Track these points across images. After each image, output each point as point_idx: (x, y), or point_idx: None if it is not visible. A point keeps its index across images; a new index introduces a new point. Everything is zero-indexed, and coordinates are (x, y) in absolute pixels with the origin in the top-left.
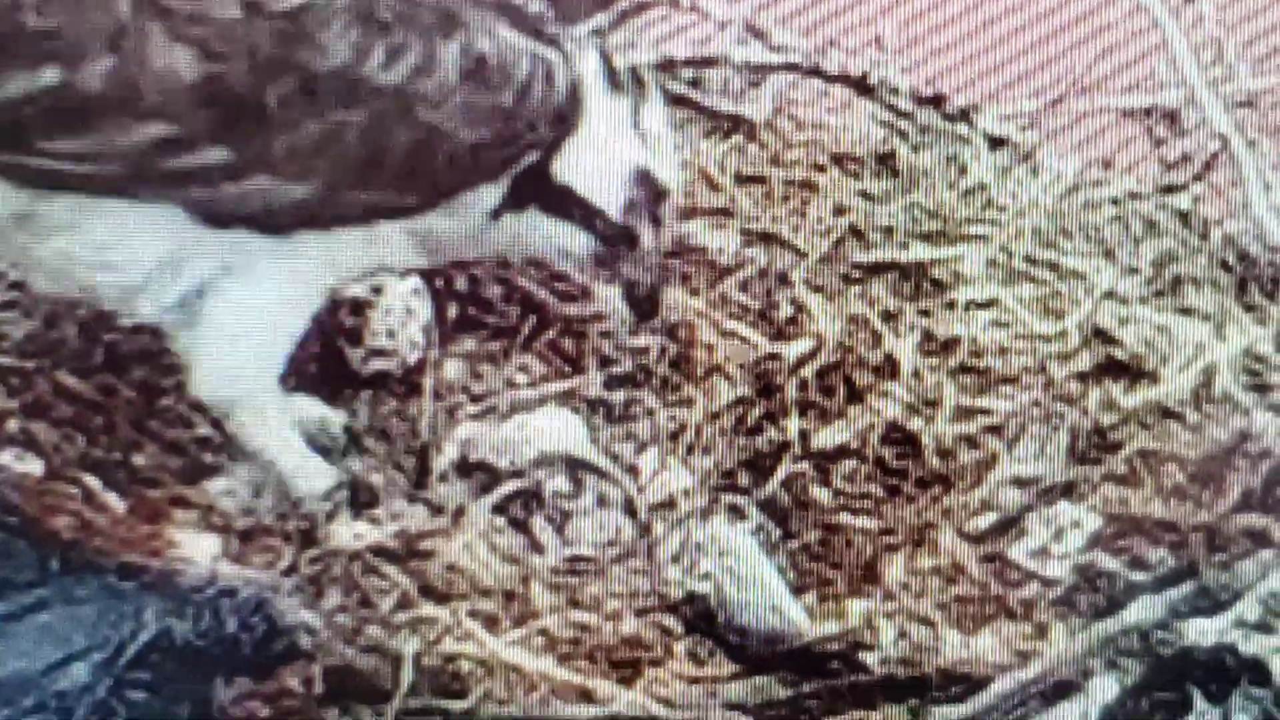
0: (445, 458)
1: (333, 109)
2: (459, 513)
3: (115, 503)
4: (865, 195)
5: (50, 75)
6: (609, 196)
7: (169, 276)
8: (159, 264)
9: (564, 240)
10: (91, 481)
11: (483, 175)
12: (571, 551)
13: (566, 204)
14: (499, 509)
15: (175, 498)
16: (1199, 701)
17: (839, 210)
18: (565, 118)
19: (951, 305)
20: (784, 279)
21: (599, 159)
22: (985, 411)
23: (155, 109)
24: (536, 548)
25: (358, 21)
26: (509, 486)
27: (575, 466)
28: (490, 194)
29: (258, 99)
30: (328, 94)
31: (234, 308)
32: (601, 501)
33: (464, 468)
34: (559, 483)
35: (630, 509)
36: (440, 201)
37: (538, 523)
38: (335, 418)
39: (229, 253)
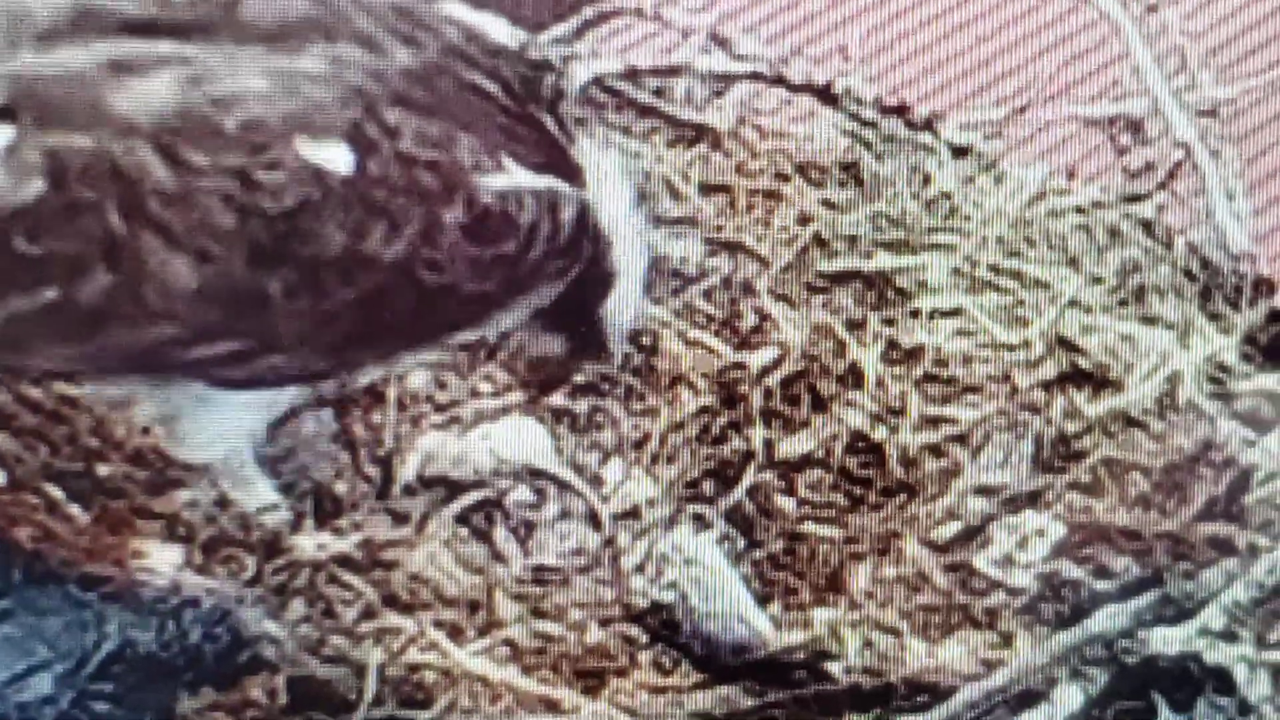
0: (409, 467)
1: (336, 289)
2: (423, 522)
3: (78, 513)
4: (829, 204)
5: (49, 294)
6: (622, 334)
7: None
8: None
9: (540, 344)
10: (54, 492)
11: (505, 307)
12: (536, 561)
13: (568, 325)
14: (462, 519)
15: (139, 508)
16: (1164, 710)
17: (803, 219)
18: (574, 248)
19: (916, 314)
20: (748, 288)
21: (630, 301)
22: (950, 420)
23: (160, 313)
24: (500, 558)
25: (354, 205)
26: (472, 496)
27: (537, 477)
28: (517, 312)
29: (260, 291)
30: (329, 277)
31: (205, 410)
32: (565, 514)
33: (428, 478)
34: (522, 493)
35: (593, 520)
36: (463, 331)
37: (501, 533)
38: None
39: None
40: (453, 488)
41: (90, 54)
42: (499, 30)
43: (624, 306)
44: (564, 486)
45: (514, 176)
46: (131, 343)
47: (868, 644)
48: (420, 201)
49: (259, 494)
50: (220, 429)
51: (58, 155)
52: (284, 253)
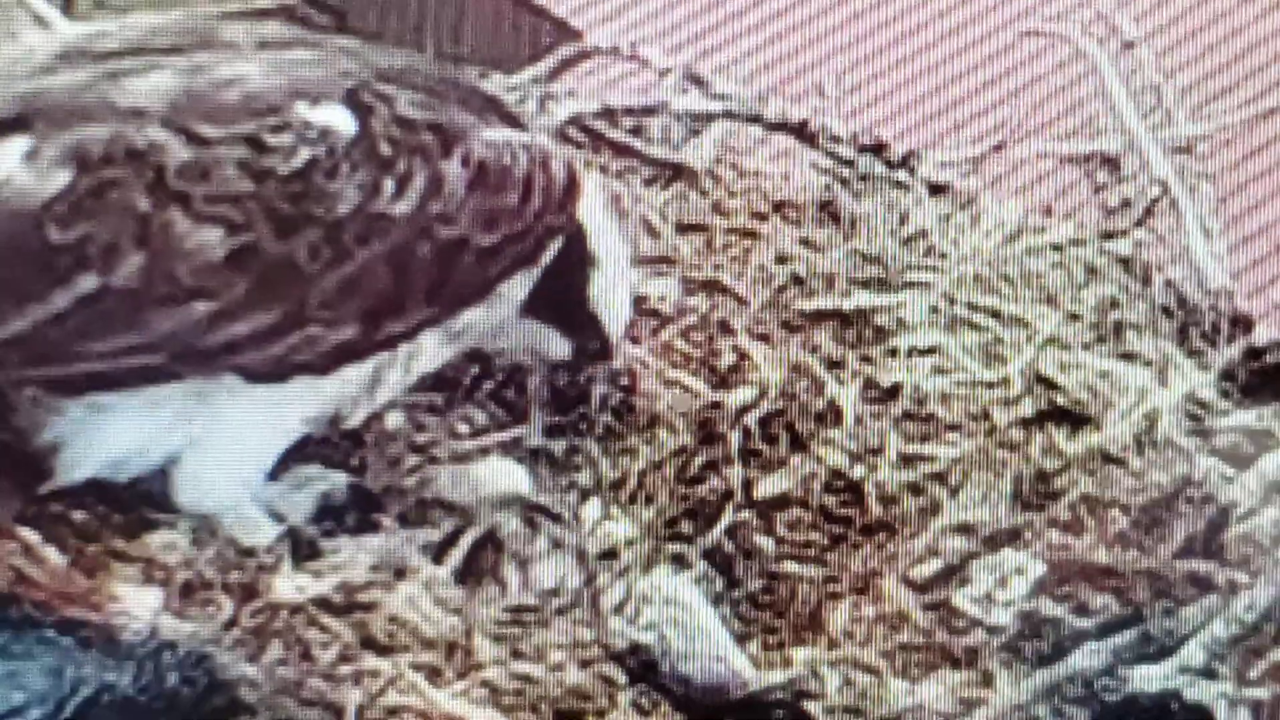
0: (387, 508)
1: (357, 248)
2: (401, 564)
3: (55, 557)
4: (806, 243)
5: (87, 283)
6: (619, 324)
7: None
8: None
9: (544, 345)
10: (30, 536)
11: (513, 268)
12: (515, 601)
13: (565, 316)
14: (440, 560)
15: (115, 551)
16: None
17: (780, 258)
18: (567, 202)
19: (894, 352)
20: (726, 327)
21: (619, 289)
22: (928, 458)
23: (193, 289)
24: (479, 598)
25: (362, 162)
26: (451, 538)
27: (518, 518)
28: (525, 281)
29: (288, 257)
30: (350, 236)
31: (217, 440)
32: (545, 553)
33: (406, 519)
34: (502, 533)
35: (578, 557)
36: (475, 301)
37: (481, 573)
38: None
39: (221, 406)
40: (432, 528)
41: (90, 71)
42: None
43: (614, 293)
44: (534, 530)
45: (503, 131)
46: (168, 326)
47: (847, 683)
48: (422, 156)
49: (261, 533)
50: (220, 476)
51: (79, 144)
52: (304, 215)
